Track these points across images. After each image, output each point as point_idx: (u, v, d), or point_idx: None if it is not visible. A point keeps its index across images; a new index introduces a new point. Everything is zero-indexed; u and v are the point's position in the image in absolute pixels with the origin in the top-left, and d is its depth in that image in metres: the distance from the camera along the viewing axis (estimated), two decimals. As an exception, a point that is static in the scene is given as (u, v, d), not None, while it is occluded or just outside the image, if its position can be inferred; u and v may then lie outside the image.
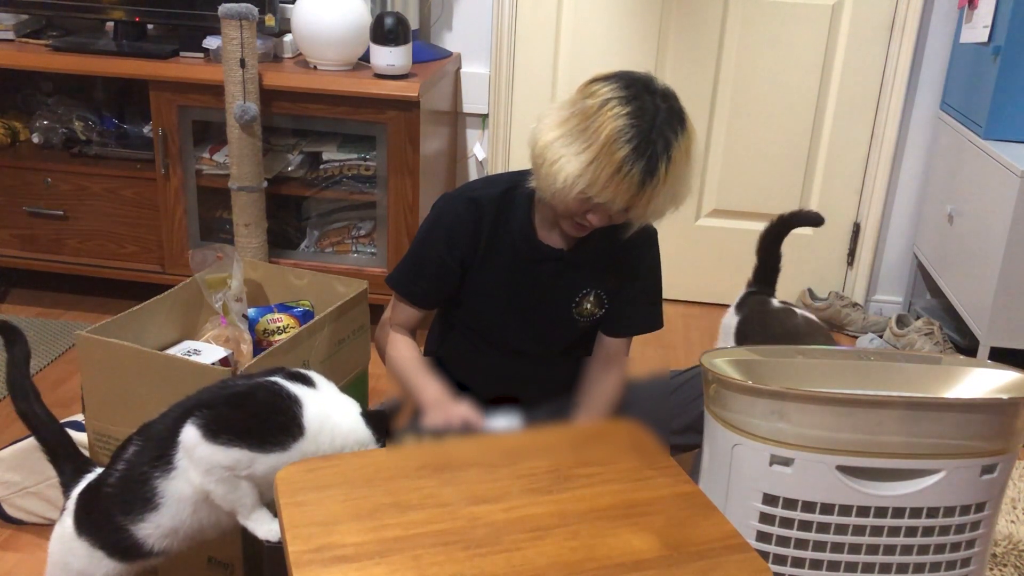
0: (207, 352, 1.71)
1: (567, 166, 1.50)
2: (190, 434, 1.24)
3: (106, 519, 1.30)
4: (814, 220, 2.21)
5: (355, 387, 1.88)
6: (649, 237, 1.76)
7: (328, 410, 1.29)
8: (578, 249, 1.70)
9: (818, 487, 1.33)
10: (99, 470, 1.38)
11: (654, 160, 1.47)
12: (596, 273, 1.72)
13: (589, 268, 1.72)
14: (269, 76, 2.47)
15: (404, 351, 1.72)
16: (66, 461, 1.40)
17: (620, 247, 1.71)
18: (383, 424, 1.33)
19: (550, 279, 1.71)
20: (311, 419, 1.26)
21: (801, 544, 1.37)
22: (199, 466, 1.24)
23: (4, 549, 1.79)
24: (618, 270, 1.74)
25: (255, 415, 1.25)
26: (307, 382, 1.32)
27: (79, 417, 1.85)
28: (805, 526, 1.36)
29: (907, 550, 1.37)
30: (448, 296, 1.75)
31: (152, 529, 1.28)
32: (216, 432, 1.23)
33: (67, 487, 1.39)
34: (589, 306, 1.73)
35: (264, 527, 1.25)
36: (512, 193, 1.69)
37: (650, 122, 1.48)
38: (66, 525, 1.35)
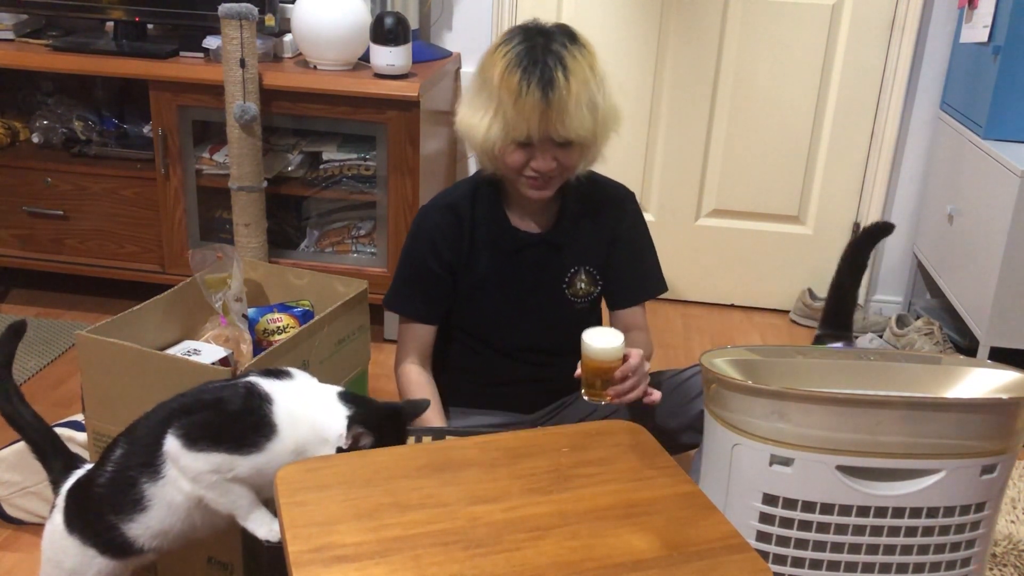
0: (207, 352, 1.71)
1: (480, 123, 1.57)
2: (171, 445, 1.24)
3: (97, 517, 1.30)
4: (885, 229, 1.97)
5: (355, 387, 1.88)
6: (622, 199, 1.78)
7: (301, 401, 1.27)
8: (556, 230, 1.72)
9: (818, 487, 1.33)
10: (88, 466, 1.38)
11: (548, 70, 1.52)
12: (580, 250, 1.73)
13: (572, 246, 1.73)
14: (269, 76, 2.47)
15: (418, 395, 1.72)
16: (54, 458, 1.40)
17: (598, 217, 1.72)
18: (373, 420, 1.27)
19: (536, 265, 1.72)
20: (282, 414, 1.24)
21: (801, 544, 1.37)
22: (186, 474, 1.24)
23: (4, 549, 1.79)
24: (601, 240, 1.75)
25: (227, 417, 1.24)
26: (281, 376, 1.30)
27: (79, 417, 1.86)
28: (805, 526, 1.35)
29: (907, 550, 1.37)
30: (447, 306, 1.75)
31: (142, 530, 1.28)
32: (194, 440, 1.22)
33: (56, 484, 1.39)
34: (582, 285, 1.73)
35: (264, 527, 1.25)
36: (479, 189, 1.72)
37: (538, 47, 1.54)
38: (56, 522, 1.34)
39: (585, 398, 1.57)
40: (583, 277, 1.74)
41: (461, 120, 1.63)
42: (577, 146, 1.60)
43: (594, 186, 1.75)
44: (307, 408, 1.27)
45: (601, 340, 1.52)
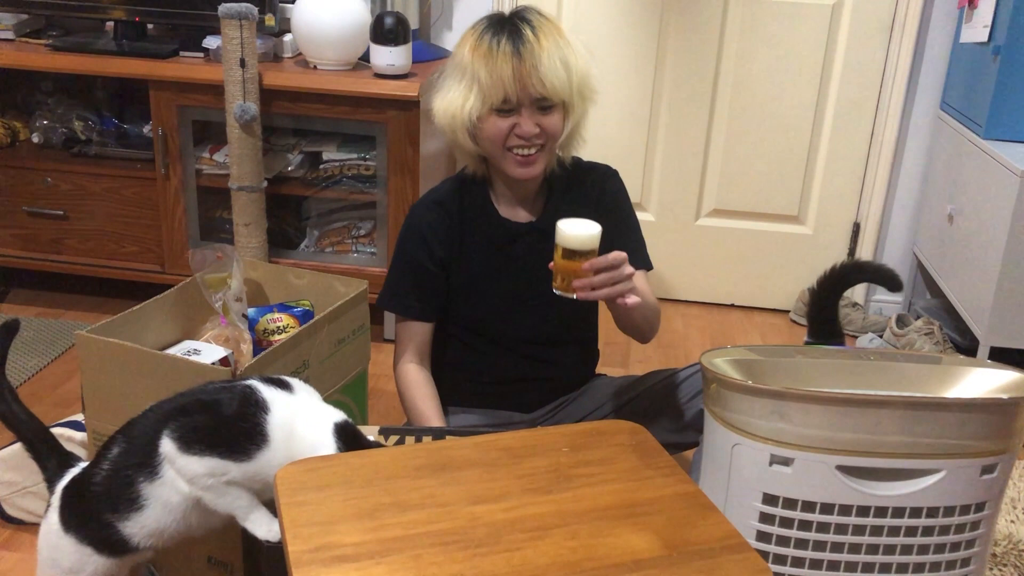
0: (207, 352, 1.71)
1: (456, 99, 1.60)
2: (167, 447, 1.23)
3: (93, 516, 1.30)
4: (890, 281, 1.78)
5: (355, 387, 1.88)
6: (603, 176, 1.79)
7: (298, 418, 1.24)
8: (545, 217, 1.72)
9: (818, 487, 1.33)
10: (83, 464, 1.38)
11: (516, 29, 1.57)
12: None
13: None
14: (269, 76, 2.47)
15: (418, 400, 1.71)
16: (49, 457, 1.40)
17: (582, 198, 1.73)
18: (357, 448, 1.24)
19: (527, 254, 1.72)
20: (277, 426, 1.22)
21: (801, 544, 1.37)
22: (183, 476, 1.23)
23: (4, 549, 1.79)
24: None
25: (222, 422, 1.23)
26: (284, 387, 1.28)
27: (79, 417, 1.86)
28: (805, 526, 1.36)
29: (907, 550, 1.37)
30: (441, 303, 1.75)
31: (137, 528, 1.28)
32: (189, 443, 1.22)
33: (51, 482, 1.38)
34: None
35: (263, 527, 1.24)
36: (465, 184, 1.74)
37: (504, 19, 1.60)
38: (51, 521, 1.34)
39: (555, 291, 1.52)
40: None
41: (437, 107, 1.65)
42: (557, 109, 1.60)
43: (578, 170, 1.77)
44: (303, 428, 1.24)
45: (574, 226, 1.47)
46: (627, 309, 1.54)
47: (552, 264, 1.51)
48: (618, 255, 1.48)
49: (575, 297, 1.50)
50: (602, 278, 1.47)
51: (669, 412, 1.76)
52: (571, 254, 1.47)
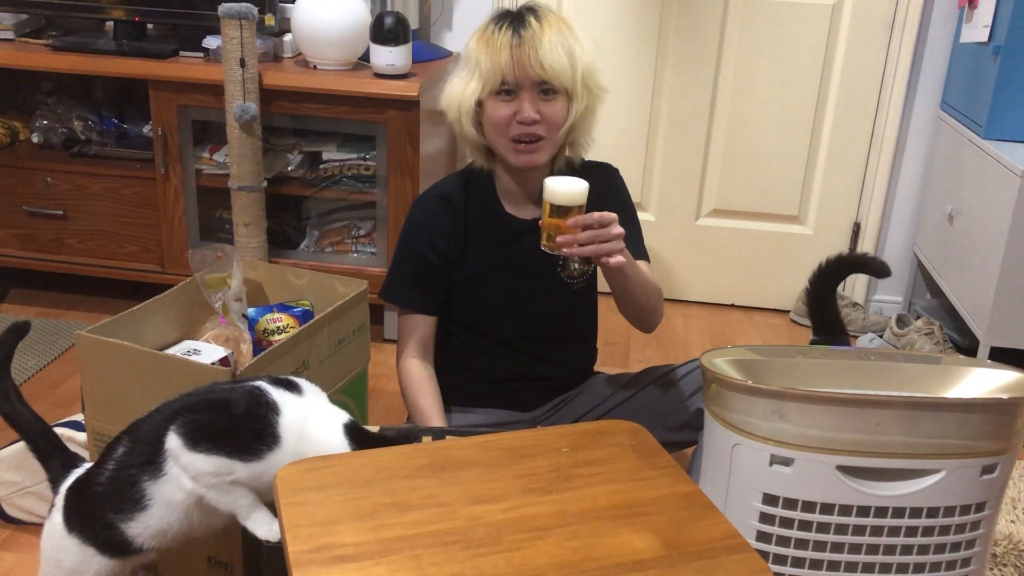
0: (207, 352, 1.71)
1: (459, 85, 1.63)
2: (173, 443, 1.23)
3: (96, 516, 1.30)
4: (878, 270, 1.81)
5: (355, 387, 1.88)
6: (604, 173, 1.80)
7: (308, 419, 1.25)
8: None
9: (818, 487, 1.33)
10: (87, 465, 1.38)
11: (519, 17, 1.60)
12: None
13: None
14: (269, 76, 2.47)
15: (420, 397, 1.71)
16: (53, 457, 1.40)
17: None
18: (368, 445, 1.25)
19: (530, 251, 1.72)
20: (288, 428, 1.22)
21: (801, 544, 1.37)
22: (187, 473, 1.23)
23: (4, 549, 1.79)
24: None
25: (232, 421, 1.23)
26: (293, 388, 1.28)
27: (79, 417, 1.86)
28: (805, 526, 1.36)
29: (907, 550, 1.37)
30: (443, 296, 1.75)
31: (141, 528, 1.28)
32: (196, 440, 1.22)
33: (55, 482, 1.38)
34: (576, 265, 1.72)
35: (264, 527, 1.24)
36: (473, 179, 1.74)
37: (511, 12, 1.63)
38: (55, 521, 1.34)
39: (543, 248, 1.52)
40: (577, 257, 1.74)
41: (444, 97, 1.67)
42: (560, 97, 1.61)
43: (582, 169, 1.77)
44: (313, 429, 1.24)
45: (560, 183, 1.48)
46: (620, 275, 1.56)
47: (541, 221, 1.52)
48: (606, 214, 1.48)
49: (561, 253, 1.50)
50: (588, 235, 1.48)
51: (668, 410, 1.76)
52: (558, 210, 1.48)
